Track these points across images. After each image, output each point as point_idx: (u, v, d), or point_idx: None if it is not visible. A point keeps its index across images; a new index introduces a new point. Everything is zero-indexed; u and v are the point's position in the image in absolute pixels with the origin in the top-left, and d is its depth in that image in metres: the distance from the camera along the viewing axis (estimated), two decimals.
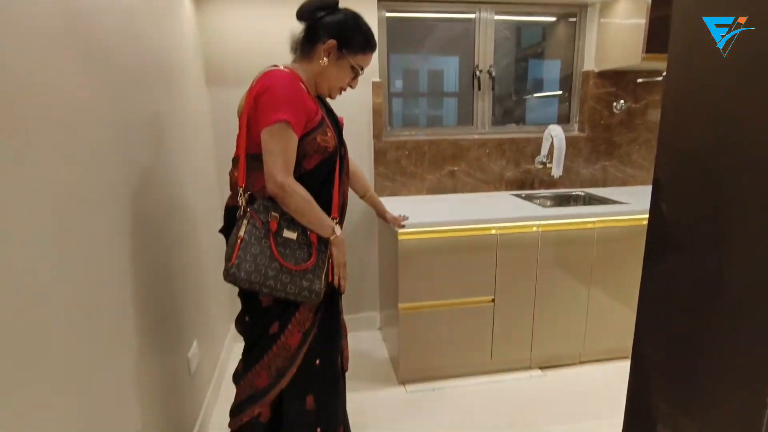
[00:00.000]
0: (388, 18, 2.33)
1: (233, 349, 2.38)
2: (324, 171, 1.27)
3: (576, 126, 2.63)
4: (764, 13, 0.73)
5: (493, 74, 2.45)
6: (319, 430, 1.36)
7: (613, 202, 2.22)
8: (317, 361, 1.34)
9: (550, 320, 2.09)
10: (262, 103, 1.15)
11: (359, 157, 2.35)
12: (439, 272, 1.94)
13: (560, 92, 2.70)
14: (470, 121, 2.54)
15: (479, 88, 2.47)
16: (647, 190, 2.52)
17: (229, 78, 2.17)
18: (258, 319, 1.30)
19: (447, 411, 1.88)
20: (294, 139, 1.17)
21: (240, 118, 1.24)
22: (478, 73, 2.44)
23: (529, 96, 2.78)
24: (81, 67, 0.95)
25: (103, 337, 0.98)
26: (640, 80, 2.54)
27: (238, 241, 1.17)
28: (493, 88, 2.48)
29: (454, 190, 2.50)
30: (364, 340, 2.45)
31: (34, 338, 0.75)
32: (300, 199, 1.18)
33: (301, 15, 1.26)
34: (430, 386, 2.04)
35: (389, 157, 2.39)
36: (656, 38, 2.12)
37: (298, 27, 1.30)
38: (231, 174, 1.30)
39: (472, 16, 2.41)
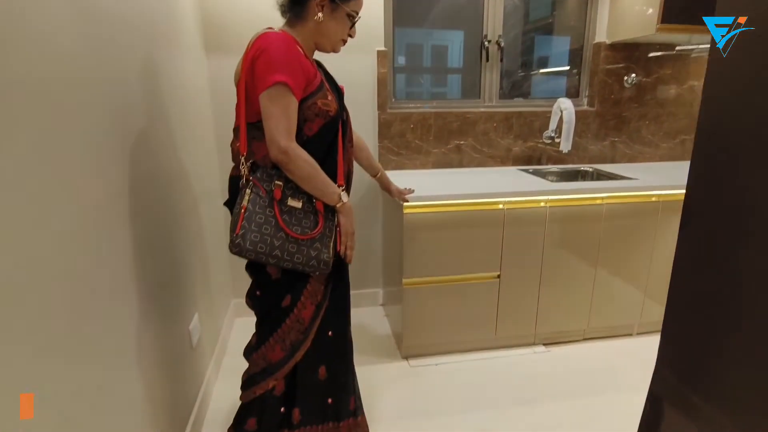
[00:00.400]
0: None
1: (234, 323, 2.36)
2: (327, 137, 1.22)
3: (585, 100, 2.57)
4: None
5: (502, 45, 2.36)
6: (330, 400, 1.36)
7: (622, 177, 2.17)
8: (329, 333, 1.33)
9: (556, 297, 2.07)
10: (258, 66, 1.10)
11: (363, 130, 2.28)
12: (445, 247, 1.91)
13: (568, 67, 2.62)
14: (477, 94, 2.47)
15: (487, 60, 2.39)
16: (656, 166, 2.50)
17: (230, 45, 2.08)
18: (269, 293, 1.28)
19: (450, 385, 1.87)
20: (294, 103, 1.12)
21: (237, 85, 1.19)
22: (486, 43, 2.36)
23: (536, 71, 2.69)
24: (71, 17, 0.89)
25: (102, 306, 0.94)
26: (651, 54, 2.46)
27: (242, 210, 1.13)
28: (501, 60, 2.40)
29: (460, 165, 2.45)
30: (367, 315, 2.43)
31: (33, 304, 0.71)
32: (304, 164, 1.14)
33: None
34: (434, 361, 2.03)
35: (394, 130, 2.32)
36: (670, 9, 2.05)
37: None
38: (232, 145, 1.25)
39: None
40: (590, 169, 2.47)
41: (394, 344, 2.17)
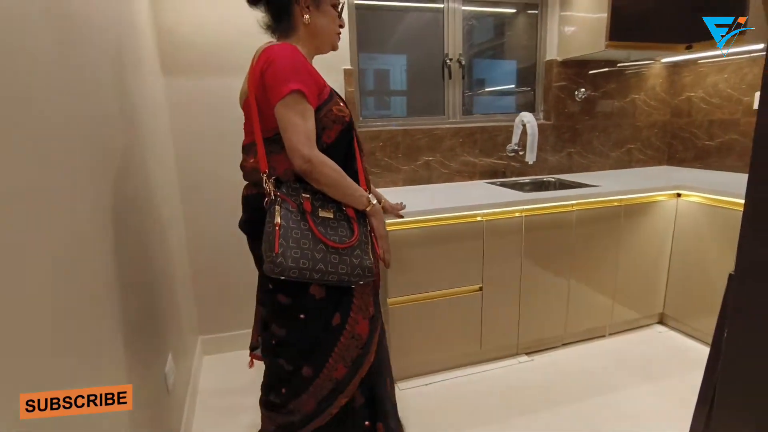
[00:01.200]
0: (357, 6, 2.24)
1: (203, 362, 2.17)
2: (344, 143, 1.20)
3: (542, 114, 2.69)
4: None
5: (463, 63, 2.44)
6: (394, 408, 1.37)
7: (586, 185, 2.28)
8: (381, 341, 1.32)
9: (535, 304, 2.10)
10: (268, 78, 1.07)
11: None
12: (427, 263, 1.88)
13: (520, 86, 2.75)
14: (441, 110, 2.51)
15: (450, 77, 2.45)
16: (610, 174, 2.66)
17: (189, 66, 1.98)
18: (315, 315, 1.18)
19: (445, 405, 1.82)
20: (310, 110, 1.09)
21: (244, 103, 1.18)
22: (448, 61, 2.42)
23: (493, 88, 2.80)
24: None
25: (70, 364, 0.82)
26: (598, 71, 2.64)
27: (276, 228, 1.07)
28: (463, 77, 2.47)
29: (429, 181, 2.46)
30: None
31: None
32: (330, 170, 1.11)
33: None
34: (423, 381, 1.97)
35: (364, 149, 2.29)
36: (616, 30, 2.21)
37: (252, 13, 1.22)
38: (245, 163, 1.21)
39: (441, 5, 2.39)
40: (553, 179, 2.57)
41: None
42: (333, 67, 2.14)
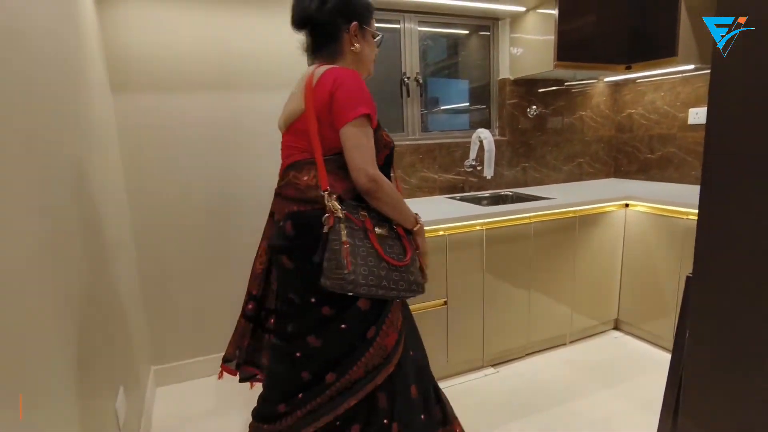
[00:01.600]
0: None
1: (156, 394, 2.05)
2: (387, 167, 1.27)
3: (497, 131, 2.78)
4: None
5: (421, 81, 2.49)
6: (423, 417, 1.32)
7: (542, 198, 2.36)
8: (411, 352, 1.32)
9: (499, 316, 2.13)
10: (339, 99, 1.13)
11: None
12: None
13: (474, 104, 2.84)
14: (401, 127, 2.55)
15: (408, 95, 2.49)
16: (563, 187, 2.77)
17: (138, 83, 1.91)
18: (357, 326, 1.21)
19: None
20: (372, 133, 1.16)
21: (296, 123, 1.21)
22: (406, 80, 2.47)
23: (450, 106, 2.88)
24: None
25: (12, 396, 0.74)
26: (547, 89, 2.77)
27: (345, 245, 1.10)
28: (421, 95, 2.52)
29: None
30: None
31: None
32: (391, 190, 1.17)
33: (307, 18, 1.25)
34: None
35: None
36: (563, 51, 2.34)
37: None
38: (296, 181, 1.21)
39: (397, 26, 2.44)
40: (510, 193, 2.65)
41: None
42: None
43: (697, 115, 2.50)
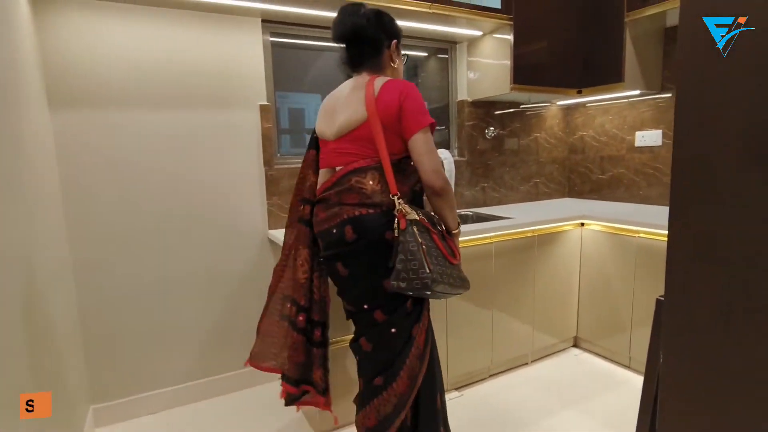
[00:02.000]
0: (273, 43, 2.21)
1: None
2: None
3: (456, 151, 2.81)
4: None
5: None
6: (442, 429, 1.36)
7: (501, 218, 2.38)
8: (433, 354, 1.36)
9: (462, 338, 2.10)
10: (409, 109, 1.21)
11: (249, 187, 2.13)
12: None
13: (437, 125, 2.86)
14: None
15: None
16: (521, 206, 2.82)
17: (77, 99, 1.79)
18: (403, 327, 1.27)
19: None
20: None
21: (358, 130, 1.25)
22: None
23: None
24: None
25: None
26: (503, 111, 2.85)
27: (422, 247, 1.15)
28: None
29: None
30: (264, 394, 2.15)
31: None
32: (452, 192, 1.27)
33: (359, 30, 1.29)
34: (354, 430, 1.85)
35: (282, 186, 2.21)
36: (518, 74, 2.41)
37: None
38: (361, 185, 1.25)
39: None
40: (471, 213, 2.67)
41: (304, 420, 1.94)
42: (249, 102, 2.06)
43: (643, 138, 2.63)
